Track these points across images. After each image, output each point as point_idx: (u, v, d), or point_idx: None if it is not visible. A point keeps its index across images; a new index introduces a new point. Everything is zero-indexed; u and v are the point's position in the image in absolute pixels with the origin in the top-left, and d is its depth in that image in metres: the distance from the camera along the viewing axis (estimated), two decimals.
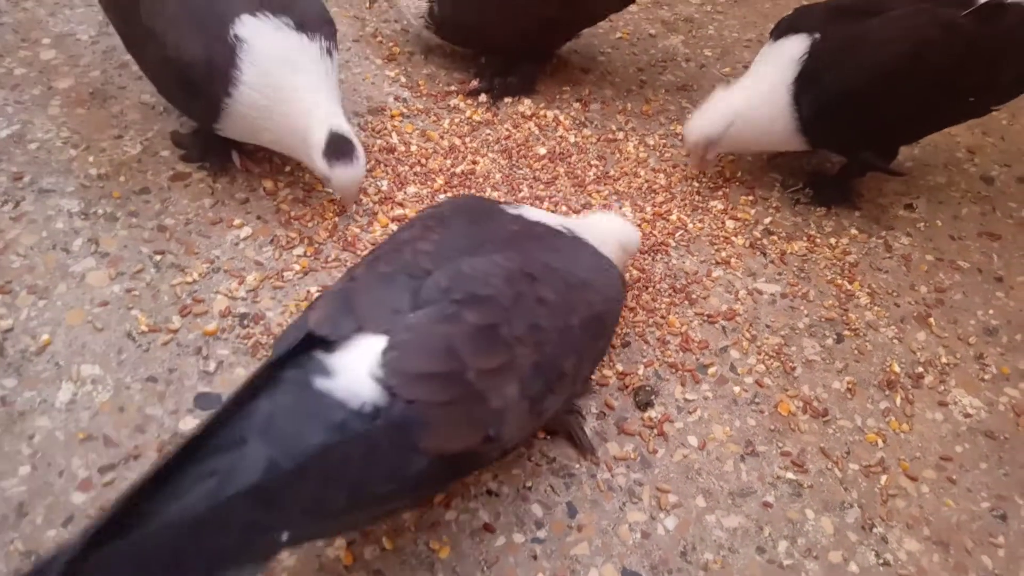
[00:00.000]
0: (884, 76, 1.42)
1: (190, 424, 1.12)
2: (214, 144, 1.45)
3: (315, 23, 1.32)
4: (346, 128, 1.28)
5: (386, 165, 1.55)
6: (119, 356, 1.18)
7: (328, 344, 0.87)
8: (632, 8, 2.10)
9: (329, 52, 1.33)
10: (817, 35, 1.47)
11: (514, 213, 1.12)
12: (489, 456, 0.96)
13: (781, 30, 1.55)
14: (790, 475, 1.17)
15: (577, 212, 1.51)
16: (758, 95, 1.48)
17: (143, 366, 1.17)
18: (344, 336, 0.87)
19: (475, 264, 0.96)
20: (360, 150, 1.28)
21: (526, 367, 0.92)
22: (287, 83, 1.27)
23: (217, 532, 0.72)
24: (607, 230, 1.23)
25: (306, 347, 0.87)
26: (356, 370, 0.84)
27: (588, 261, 1.10)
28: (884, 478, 1.19)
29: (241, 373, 1.18)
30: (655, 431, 1.20)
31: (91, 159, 1.45)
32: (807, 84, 1.45)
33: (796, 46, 1.48)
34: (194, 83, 1.27)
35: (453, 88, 1.76)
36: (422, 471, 0.84)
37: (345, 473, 0.79)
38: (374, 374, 0.84)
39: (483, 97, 1.73)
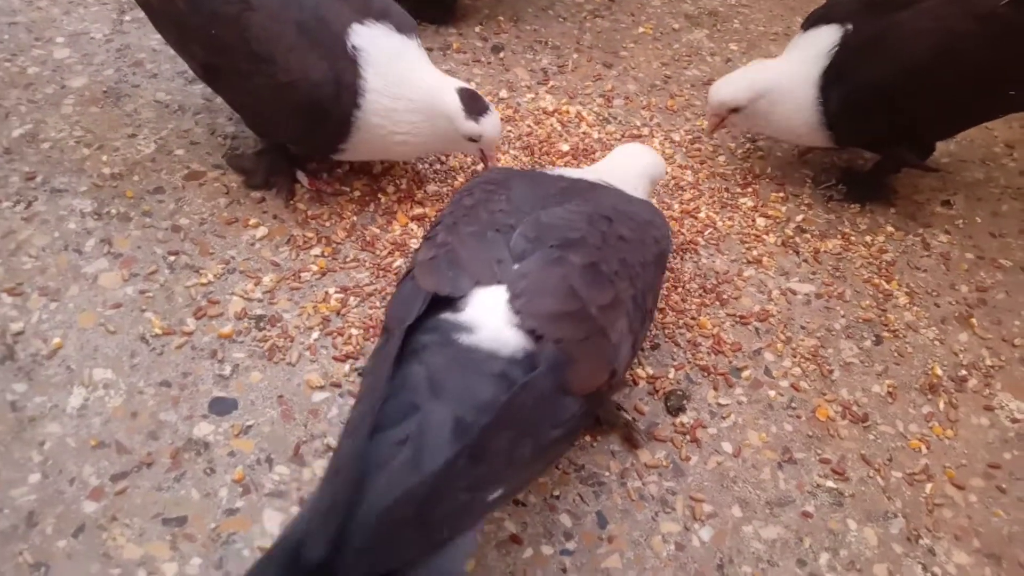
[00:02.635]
0: (916, 70, 1.36)
1: (205, 430, 1.08)
2: (279, 166, 1.41)
3: (408, 26, 1.32)
4: (467, 85, 1.30)
5: (405, 163, 1.51)
6: (132, 360, 1.14)
7: (451, 304, 0.89)
8: (655, 2, 2.07)
9: (422, 49, 1.34)
10: (849, 26, 1.41)
11: (555, 174, 1.15)
12: (609, 394, 1.00)
13: (813, 21, 1.49)
14: (830, 483, 1.12)
15: None
16: (790, 78, 1.43)
17: (156, 370, 1.13)
18: (466, 292, 0.89)
19: (553, 213, 0.98)
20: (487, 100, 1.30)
21: (627, 301, 0.95)
22: (407, 77, 1.27)
23: (446, 494, 0.73)
24: (636, 168, 1.25)
25: (427, 313, 0.88)
26: (494, 321, 0.86)
27: (640, 204, 1.13)
28: (929, 487, 1.13)
29: (257, 377, 1.14)
30: (688, 437, 1.15)
31: (104, 158, 1.42)
32: (836, 77, 1.40)
33: (827, 36, 1.42)
34: (321, 105, 1.23)
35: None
36: (574, 414, 0.86)
37: (524, 422, 0.80)
38: (512, 322, 0.85)
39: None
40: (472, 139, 1.30)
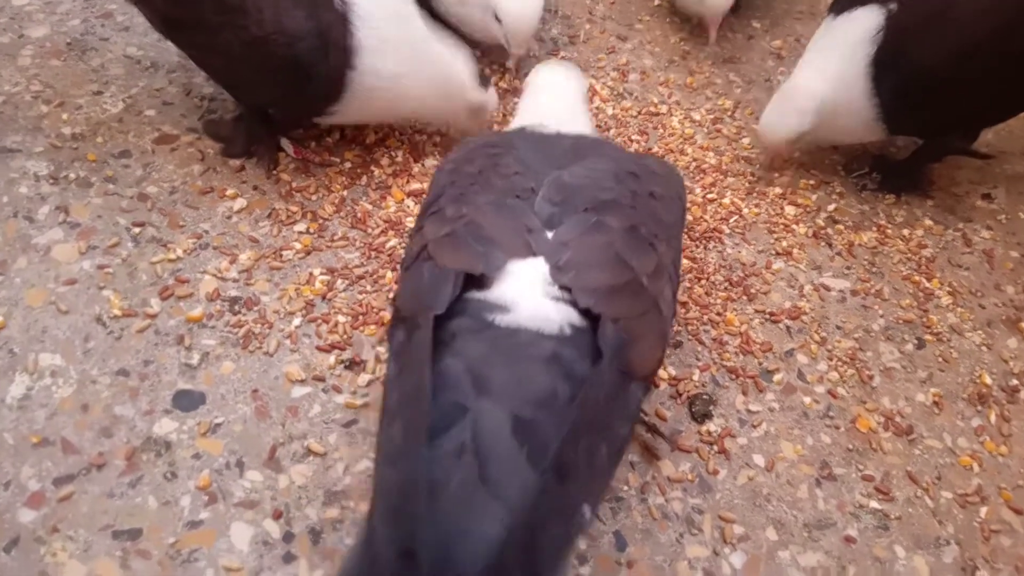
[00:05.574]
0: (977, 52, 1.22)
1: (167, 427, 0.94)
2: (260, 133, 1.27)
3: None
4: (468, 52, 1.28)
5: (402, 134, 1.37)
6: (86, 344, 1.00)
7: (476, 282, 0.76)
8: None
9: (415, 5, 1.23)
10: (892, 5, 1.27)
11: (553, 131, 1.02)
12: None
13: (845, 2, 1.34)
14: (874, 504, 1.00)
15: None
16: (839, 78, 1.27)
17: (113, 357, 0.99)
18: (499, 268, 0.77)
19: (575, 172, 0.87)
20: None
21: (668, 266, 0.84)
22: (411, 38, 1.18)
23: (545, 528, 0.60)
24: (577, 95, 1.16)
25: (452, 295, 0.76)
26: (533, 297, 0.75)
27: (651, 158, 1.05)
28: (984, 510, 1.01)
29: (229, 367, 1.00)
30: (715, 448, 1.02)
31: (65, 116, 1.27)
32: (887, 65, 1.25)
33: (868, 20, 1.27)
34: (301, 63, 1.09)
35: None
36: (639, 402, 0.75)
37: (600, 423, 0.68)
38: (552, 295, 0.75)
39: None
40: (476, 109, 1.28)
